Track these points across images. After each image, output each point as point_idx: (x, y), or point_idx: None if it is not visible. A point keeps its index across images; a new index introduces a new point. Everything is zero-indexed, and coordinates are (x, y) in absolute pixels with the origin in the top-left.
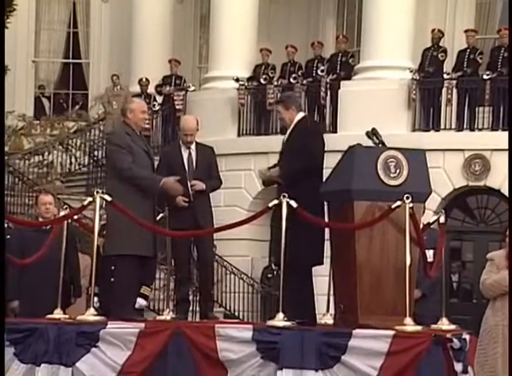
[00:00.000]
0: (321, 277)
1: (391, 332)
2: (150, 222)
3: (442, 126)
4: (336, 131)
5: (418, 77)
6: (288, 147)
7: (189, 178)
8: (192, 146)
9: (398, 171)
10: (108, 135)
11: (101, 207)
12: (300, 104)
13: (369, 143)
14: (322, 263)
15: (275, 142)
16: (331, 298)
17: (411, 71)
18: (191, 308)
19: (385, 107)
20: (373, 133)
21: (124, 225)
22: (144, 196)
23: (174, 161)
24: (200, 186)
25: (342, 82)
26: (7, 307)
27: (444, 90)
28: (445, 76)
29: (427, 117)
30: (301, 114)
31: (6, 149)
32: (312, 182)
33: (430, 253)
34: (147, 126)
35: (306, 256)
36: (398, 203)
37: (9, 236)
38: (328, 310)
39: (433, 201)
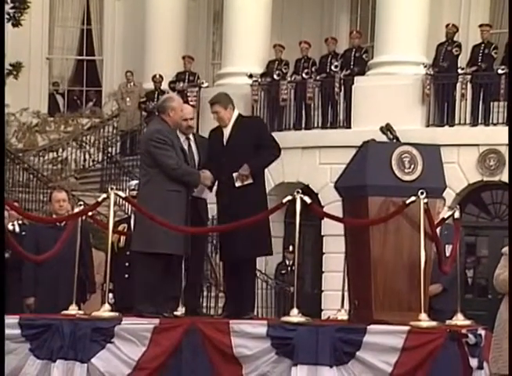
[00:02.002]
0: (335, 273)
1: (406, 328)
2: (183, 218)
3: (457, 121)
4: (350, 127)
5: (432, 72)
6: (239, 143)
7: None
8: (191, 137)
9: (412, 166)
10: (149, 131)
11: (115, 203)
12: (233, 102)
13: (384, 139)
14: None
15: (290, 137)
16: (345, 294)
17: (425, 66)
18: (205, 303)
19: (399, 103)
20: (387, 129)
21: (146, 222)
22: (181, 193)
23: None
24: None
25: (356, 78)
26: (23, 303)
27: (458, 85)
28: (459, 71)
29: (442, 112)
30: (236, 112)
31: (21, 146)
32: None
33: (450, 248)
34: (191, 124)
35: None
36: (413, 198)
37: (24, 233)
38: (342, 306)
39: (447, 197)
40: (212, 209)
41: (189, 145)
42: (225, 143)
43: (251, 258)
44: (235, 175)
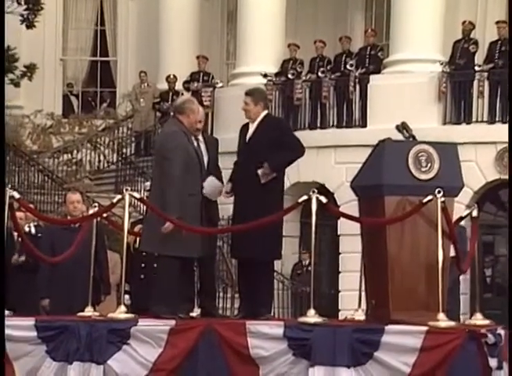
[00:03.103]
0: (352, 273)
1: (424, 328)
2: (199, 221)
3: (474, 119)
4: (365, 126)
5: (449, 70)
6: (260, 142)
7: (203, 171)
8: (200, 137)
9: (429, 165)
10: (165, 132)
11: (130, 204)
12: (267, 103)
13: (400, 137)
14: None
15: (305, 137)
16: (362, 294)
17: (441, 64)
18: (221, 305)
19: (415, 101)
20: (403, 127)
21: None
22: (195, 196)
23: (186, 154)
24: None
25: (371, 76)
26: (38, 305)
27: (475, 82)
28: (476, 68)
29: (459, 110)
30: (266, 111)
31: (35, 147)
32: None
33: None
34: (199, 127)
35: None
36: (430, 197)
37: (40, 235)
38: (360, 306)
39: (465, 195)
40: (227, 209)
41: (198, 145)
42: (247, 140)
43: (258, 260)
44: (259, 172)
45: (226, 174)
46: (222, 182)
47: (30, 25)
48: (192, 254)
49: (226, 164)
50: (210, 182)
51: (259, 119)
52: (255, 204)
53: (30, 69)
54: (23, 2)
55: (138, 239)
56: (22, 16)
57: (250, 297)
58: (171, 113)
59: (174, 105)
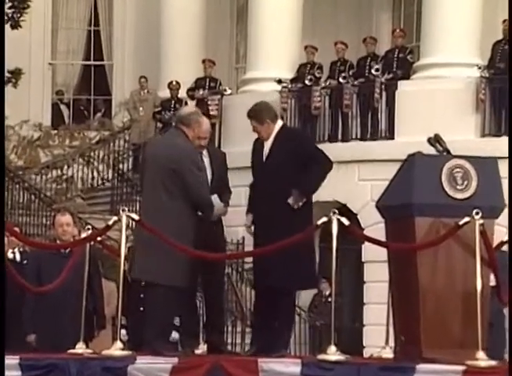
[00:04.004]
0: (378, 305)
1: (461, 367)
2: (203, 245)
3: None
4: (393, 138)
5: (487, 75)
6: (279, 161)
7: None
8: (204, 151)
9: (465, 182)
10: (181, 147)
11: (127, 227)
12: (275, 113)
13: (432, 151)
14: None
15: (325, 150)
16: (390, 329)
17: (479, 68)
18: (230, 340)
19: (449, 110)
20: (435, 139)
21: (160, 249)
22: (197, 220)
23: None
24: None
25: (399, 82)
26: (24, 341)
27: None
28: None
29: (499, 120)
30: (279, 123)
31: (21, 163)
32: None
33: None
34: (203, 144)
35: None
36: (467, 219)
37: (25, 262)
38: (387, 342)
39: (506, 217)
40: (236, 232)
41: (201, 160)
42: (264, 159)
43: (287, 290)
44: (290, 201)
45: (236, 192)
46: (227, 202)
47: (15, 25)
48: (186, 282)
49: (235, 182)
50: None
51: (274, 134)
52: (280, 231)
53: (15, 74)
54: (7, 0)
55: None
56: (6, 15)
57: (265, 329)
58: (173, 124)
59: (179, 115)
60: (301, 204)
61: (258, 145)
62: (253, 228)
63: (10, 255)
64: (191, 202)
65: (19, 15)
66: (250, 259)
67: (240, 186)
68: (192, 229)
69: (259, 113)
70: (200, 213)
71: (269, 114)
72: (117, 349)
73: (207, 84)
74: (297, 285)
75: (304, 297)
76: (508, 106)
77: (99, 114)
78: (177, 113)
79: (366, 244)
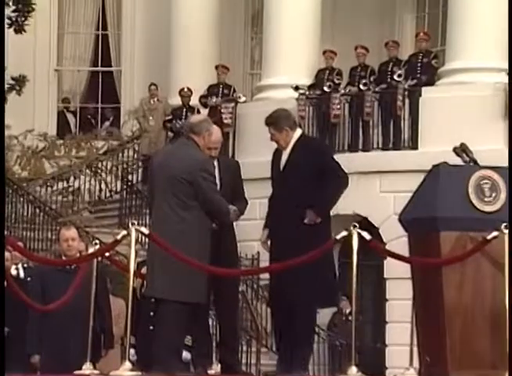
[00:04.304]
0: (401, 323)
1: None
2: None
3: None
4: (416, 148)
5: None
6: (297, 172)
7: None
8: (215, 162)
9: (493, 194)
10: (195, 158)
11: (137, 241)
12: (294, 121)
13: (458, 162)
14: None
15: (344, 161)
16: (414, 349)
17: (508, 73)
18: (245, 360)
19: (477, 118)
20: (462, 149)
21: (174, 264)
22: (209, 234)
23: None
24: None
25: (423, 88)
26: (27, 362)
27: None
28: None
29: None
30: (298, 132)
31: (25, 174)
32: None
33: None
34: (214, 154)
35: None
36: (495, 233)
37: (29, 278)
38: (411, 363)
39: None
40: (251, 247)
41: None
42: (281, 169)
43: (306, 307)
44: (306, 221)
45: (250, 205)
46: (242, 211)
47: (19, 29)
48: (202, 299)
49: (250, 194)
50: None
51: (292, 143)
52: (297, 246)
53: (19, 81)
54: (11, 3)
55: (145, 282)
56: (10, 19)
57: (284, 350)
58: (183, 133)
59: (189, 123)
60: (318, 221)
61: (276, 155)
62: (269, 243)
63: (14, 272)
64: (206, 210)
65: (23, 19)
66: (266, 276)
67: (255, 198)
68: (208, 240)
69: (277, 121)
70: (214, 225)
71: (288, 122)
72: (125, 370)
73: (221, 91)
74: (317, 302)
75: (323, 315)
76: (509, 106)
77: (107, 123)
78: (186, 122)
79: (388, 259)
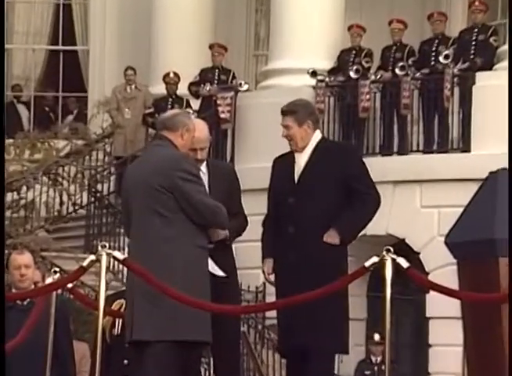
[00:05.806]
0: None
1: None
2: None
3: None
4: (468, 150)
5: None
6: (318, 184)
7: None
8: (203, 166)
9: None
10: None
11: (108, 269)
12: (317, 118)
13: None
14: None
15: (374, 167)
16: None
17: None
18: None
19: None
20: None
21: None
22: (205, 250)
23: None
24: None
25: (478, 74)
26: None
27: None
28: None
29: None
30: (318, 134)
31: None
32: None
33: None
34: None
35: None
36: None
37: None
38: None
39: None
40: (256, 276)
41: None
42: (296, 180)
43: (324, 353)
44: (324, 238)
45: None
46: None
47: None
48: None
49: (252, 209)
50: None
51: (312, 147)
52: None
53: None
54: None
55: (117, 321)
56: None
57: None
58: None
59: (161, 118)
60: (337, 241)
61: (283, 162)
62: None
63: None
64: (196, 219)
65: None
66: (272, 313)
67: (258, 214)
68: (204, 261)
69: (300, 110)
70: (210, 245)
71: (312, 116)
72: None
73: (217, 77)
74: (338, 347)
75: (347, 363)
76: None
77: (69, 118)
78: (159, 117)
79: (432, 293)
